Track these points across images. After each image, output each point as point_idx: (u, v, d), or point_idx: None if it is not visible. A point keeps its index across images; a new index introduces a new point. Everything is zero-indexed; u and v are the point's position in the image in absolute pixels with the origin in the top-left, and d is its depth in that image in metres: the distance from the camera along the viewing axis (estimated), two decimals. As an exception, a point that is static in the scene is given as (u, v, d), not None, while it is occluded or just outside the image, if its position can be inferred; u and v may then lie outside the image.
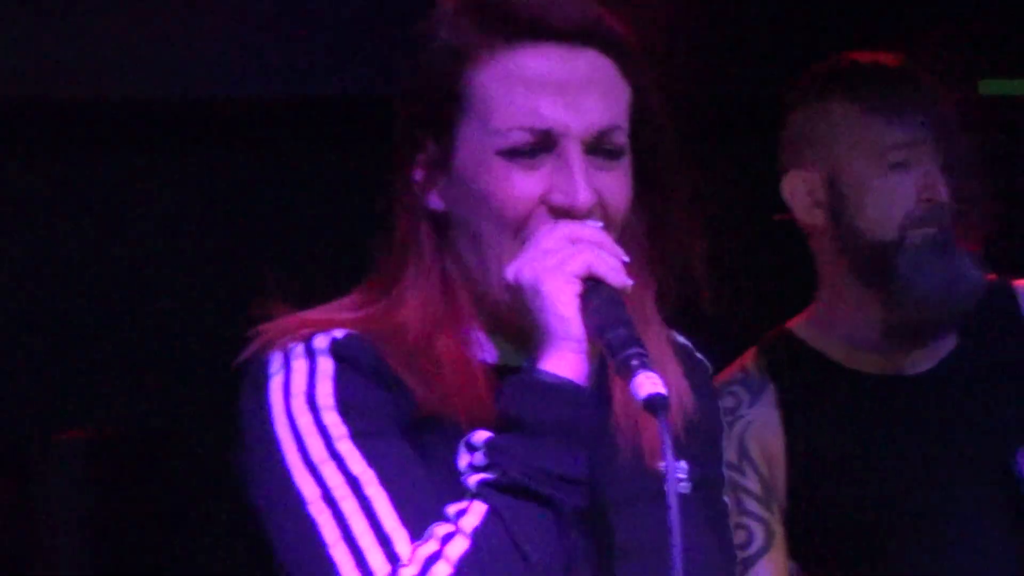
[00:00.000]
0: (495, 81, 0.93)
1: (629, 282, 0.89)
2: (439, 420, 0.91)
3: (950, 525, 1.58)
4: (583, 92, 0.92)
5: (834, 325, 1.62)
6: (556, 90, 0.92)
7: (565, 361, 0.88)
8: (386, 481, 0.87)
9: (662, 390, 0.83)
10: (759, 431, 1.60)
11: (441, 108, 0.94)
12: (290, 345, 0.91)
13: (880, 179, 1.55)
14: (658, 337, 0.97)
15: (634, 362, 0.84)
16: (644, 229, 0.98)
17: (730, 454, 1.54)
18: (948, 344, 1.63)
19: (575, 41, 0.93)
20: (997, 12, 3.46)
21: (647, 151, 0.97)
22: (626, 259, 0.89)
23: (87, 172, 3.51)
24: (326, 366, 0.90)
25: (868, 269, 1.57)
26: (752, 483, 1.60)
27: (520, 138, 0.92)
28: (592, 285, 0.87)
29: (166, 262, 3.45)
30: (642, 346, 0.86)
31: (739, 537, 1.54)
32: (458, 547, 0.84)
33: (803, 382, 1.62)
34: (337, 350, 0.91)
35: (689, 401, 0.99)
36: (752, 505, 1.59)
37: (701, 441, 1.03)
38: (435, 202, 0.96)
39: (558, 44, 0.92)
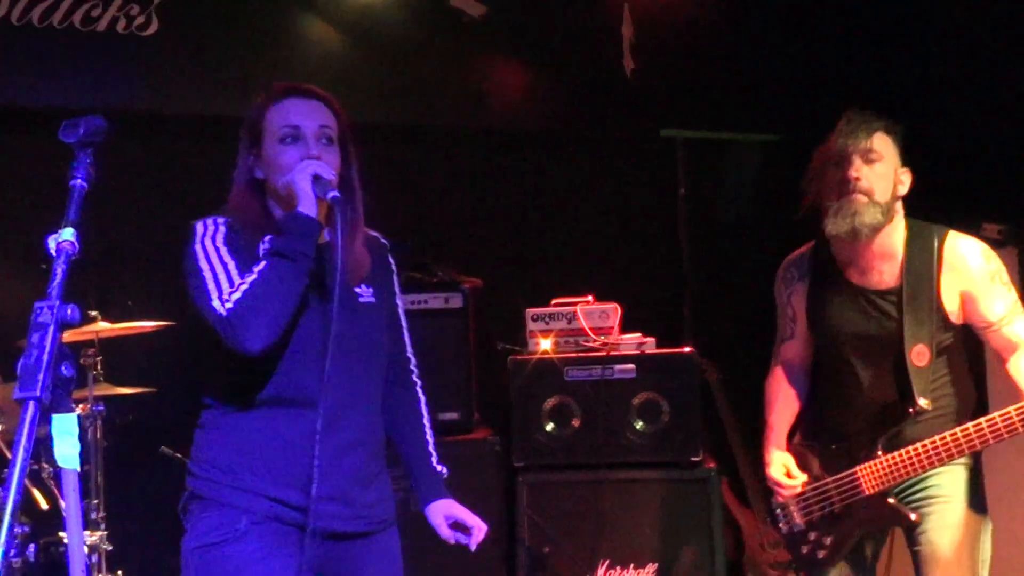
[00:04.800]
0: (273, 115, 2.26)
1: (333, 175, 2.20)
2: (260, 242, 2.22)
3: None
4: (311, 113, 2.26)
5: None
6: (298, 112, 2.25)
7: (305, 208, 2.16)
8: (239, 264, 2.16)
9: (338, 194, 2.16)
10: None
11: (256, 131, 2.28)
12: (200, 221, 2.25)
13: None
14: (357, 223, 2.32)
15: (330, 194, 2.15)
16: (350, 177, 2.32)
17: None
18: None
19: (307, 96, 2.28)
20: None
21: (344, 145, 2.30)
22: (334, 173, 2.22)
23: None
24: (219, 227, 2.23)
25: None
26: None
27: (285, 132, 2.24)
28: (317, 178, 2.17)
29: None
30: (336, 190, 2.18)
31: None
32: (252, 276, 2.10)
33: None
34: (223, 221, 2.24)
35: (367, 260, 2.33)
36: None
37: (380, 283, 2.36)
38: (258, 173, 2.29)
39: (299, 97, 2.27)
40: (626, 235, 5.01)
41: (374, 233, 2.43)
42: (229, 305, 2.07)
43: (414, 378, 2.49)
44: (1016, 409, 2.55)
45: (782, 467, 2.91)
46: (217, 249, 2.18)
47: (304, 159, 2.20)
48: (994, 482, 2.90)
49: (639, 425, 3.74)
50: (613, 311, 3.91)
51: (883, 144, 2.73)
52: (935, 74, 4.38)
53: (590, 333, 3.88)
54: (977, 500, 2.76)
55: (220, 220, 2.24)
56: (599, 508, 3.71)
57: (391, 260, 2.46)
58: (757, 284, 3.32)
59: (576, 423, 3.75)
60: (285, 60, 4.42)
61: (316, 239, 2.16)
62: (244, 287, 2.09)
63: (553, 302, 3.98)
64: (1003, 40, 4.12)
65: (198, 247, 2.19)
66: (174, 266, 2.20)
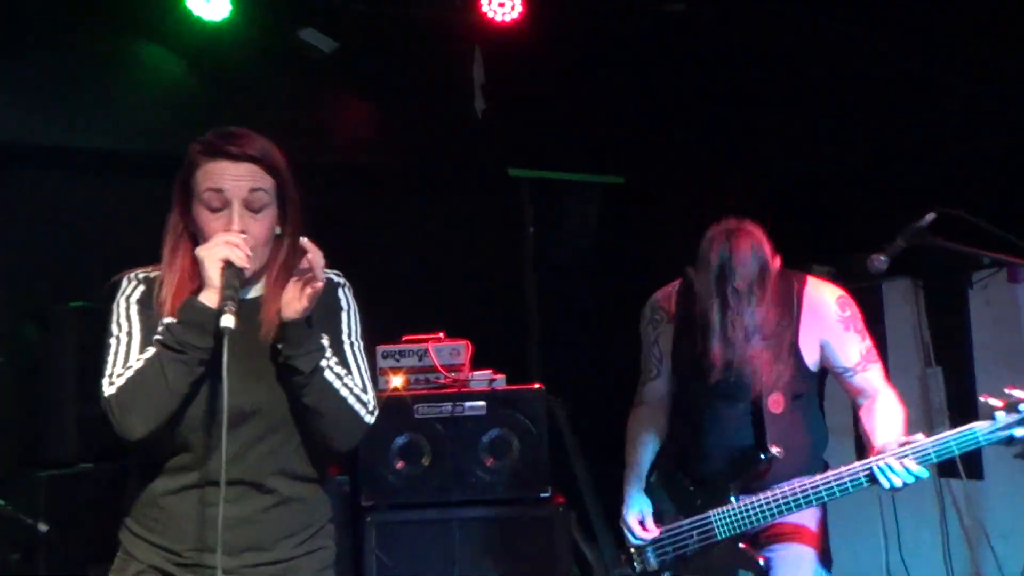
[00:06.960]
0: (202, 177, 2.07)
1: (246, 265, 2.03)
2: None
3: None
4: (240, 178, 2.06)
5: None
6: (225, 177, 2.05)
7: (205, 297, 2.01)
8: (145, 334, 2.06)
9: (230, 324, 1.94)
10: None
11: (186, 189, 2.09)
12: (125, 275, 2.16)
13: None
14: (275, 283, 2.11)
15: (226, 307, 1.95)
16: (285, 242, 2.12)
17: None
18: None
19: (238, 159, 2.06)
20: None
21: (282, 205, 2.12)
22: (249, 253, 2.04)
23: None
24: (138, 285, 2.13)
25: None
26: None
27: (210, 197, 2.06)
28: (228, 264, 2.00)
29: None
30: (236, 300, 1.97)
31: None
32: (138, 364, 2.01)
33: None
34: (144, 276, 2.14)
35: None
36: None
37: (325, 326, 2.14)
38: (190, 228, 2.10)
39: (230, 160, 2.06)
40: (476, 272, 5.04)
41: (328, 274, 2.22)
42: (112, 390, 2.02)
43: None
44: (848, 468, 2.64)
45: (639, 513, 2.94)
46: (128, 311, 2.11)
47: (224, 233, 2.04)
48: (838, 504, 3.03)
49: (489, 462, 3.75)
50: (464, 348, 3.92)
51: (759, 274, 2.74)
52: (766, 121, 4.60)
53: (441, 370, 3.88)
54: (820, 532, 2.84)
55: (142, 275, 2.15)
56: (448, 546, 3.68)
57: (341, 296, 2.25)
58: (601, 320, 3.40)
59: (426, 461, 3.73)
60: (127, 90, 4.27)
61: (212, 331, 1.99)
62: (130, 372, 2.02)
63: (404, 339, 3.96)
64: (825, 87, 4.38)
65: (115, 305, 2.13)
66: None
